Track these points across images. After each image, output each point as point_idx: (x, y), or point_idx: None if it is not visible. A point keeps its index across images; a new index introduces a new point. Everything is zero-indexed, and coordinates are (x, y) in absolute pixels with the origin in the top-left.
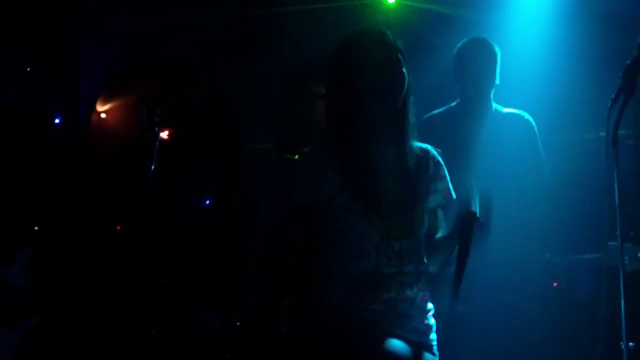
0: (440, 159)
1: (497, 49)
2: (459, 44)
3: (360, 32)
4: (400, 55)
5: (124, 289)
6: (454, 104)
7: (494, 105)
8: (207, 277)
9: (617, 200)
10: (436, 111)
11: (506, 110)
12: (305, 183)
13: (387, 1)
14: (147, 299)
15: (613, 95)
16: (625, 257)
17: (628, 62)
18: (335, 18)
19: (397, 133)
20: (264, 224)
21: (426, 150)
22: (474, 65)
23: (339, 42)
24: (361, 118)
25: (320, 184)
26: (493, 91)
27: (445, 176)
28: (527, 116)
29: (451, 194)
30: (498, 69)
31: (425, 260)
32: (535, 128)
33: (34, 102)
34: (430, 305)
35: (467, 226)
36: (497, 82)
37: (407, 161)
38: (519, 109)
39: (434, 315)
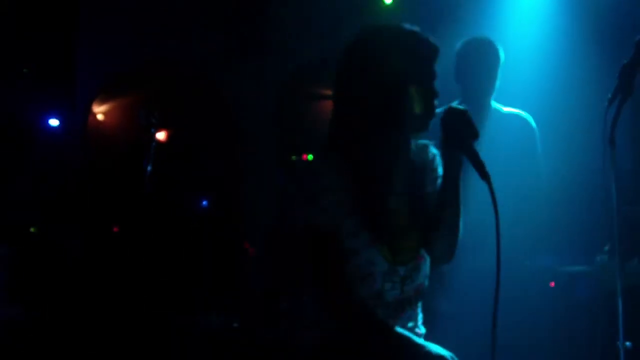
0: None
1: (501, 50)
2: (462, 43)
3: (404, 32)
4: None
5: (121, 290)
6: (454, 103)
7: (494, 105)
8: (204, 279)
9: (614, 202)
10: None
11: (506, 109)
12: (322, 206)
13: (384, 2)
14: (144, 301)
15: (610, 96)
16: (613, 273)
17: (625, 61)
18: (332, 20)
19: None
20: (262, 226)
21: (426, 148)
22: (477, 66)
23: (376, 42)
24: (390, 131)
25: (333, 206)
26: (494, 92)
27: None
28: (526, 116)
29: None
30: (500, 70)
31: (427, 279)
32: (535, 128)
33: (28, 104)
34: (421, 319)
35: (457, 121)
36: (498, 83)
37: (416, 171)
38: (519, 109)
39: (431, 316)
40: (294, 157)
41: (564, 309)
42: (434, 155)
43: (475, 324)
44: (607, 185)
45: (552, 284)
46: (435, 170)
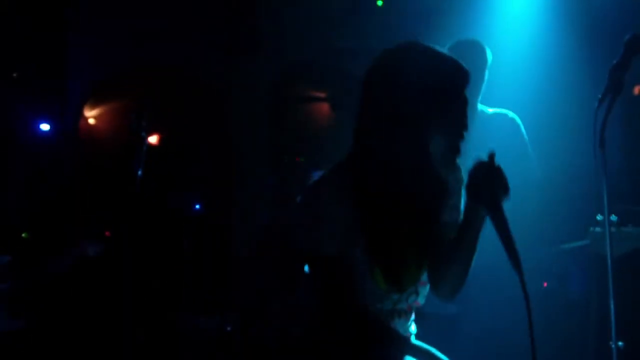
0: (462, 173)
1: (489, 52)
2: (450, 45)
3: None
4: None
5: (114, 293)
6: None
7: (480, 107)
8: (198, 282)
9: (605, 200)
10: None
11: (491, 110)
12: (329, 231)
13: (376, 3)
14: (138, 304)
15: (600, 95)
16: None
17: (614, 61)
18: (325, 21)
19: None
20: (255, 228)
21: (456, 171)
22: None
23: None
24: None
25: (341, 233)
26: (480, 94)
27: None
28: (512, 115)
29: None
30: (487, 72)
31: (423, 298)
32: (521, 126)
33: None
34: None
35: (484, 175)
36: (485, 85)
37: (436, 197)
38: (504, 108)
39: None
40: (287, 160)
41: (557, 308)
42: (460, 183)
43: (477, 324)
44: (598, 184)
45: (545, 284)
46: (456, 198)
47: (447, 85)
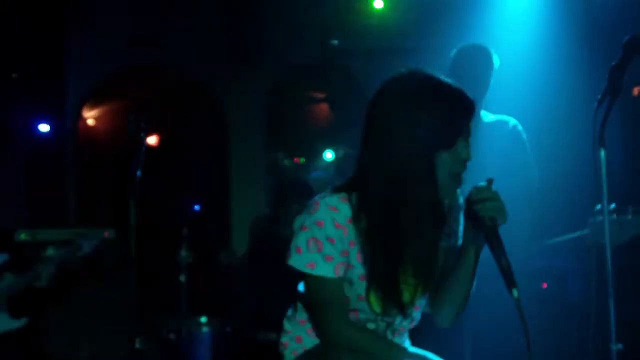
0: (460, 200)
1: (495, 57)
2: (457, 50)
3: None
4: None
5: (113, 295)
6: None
7: (481, 113)
8: (196, 283)
9: (605, 200)
10: None
11: (492, 116)
12: (327, 253)
13: (374, 6)
14: (136, 306)
15: (599, 96)
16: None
17: (613, 62)
18: (323, 24)
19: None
20: (251, 231)
21: (454, 195)
22: (471, 74)
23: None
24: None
25: (339, 256)
26: (483, 100)
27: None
28: (513, 121)
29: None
30: (492, 78)
31: (417, 321)
32: (522, 132)
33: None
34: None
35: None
36: (489, 90)
37: (435, 222)
38: (505, 114)
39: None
40: (286, 162)
41: (556, 309)
42: (459, 209)
43: (478, 328)
44: (597, 184)
45: (545, 285)
46: (454, 223)
47: (450, 118)
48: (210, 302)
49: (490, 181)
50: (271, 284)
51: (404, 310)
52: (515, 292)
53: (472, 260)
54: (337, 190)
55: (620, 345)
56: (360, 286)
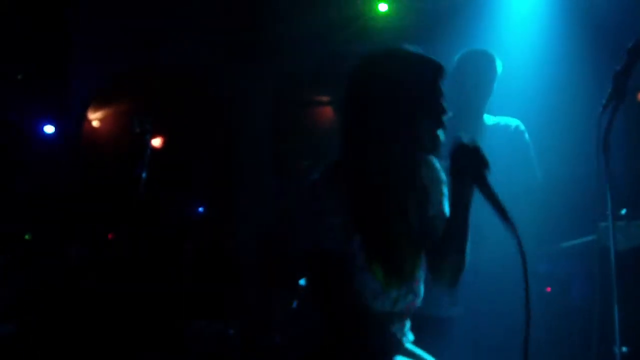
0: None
1: (499, 62)
2: (461, 55)
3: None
4: None
5: (116, 297)
6: (463, 138)
7: (484, 116)
8: (200, 285)
9: (609, 205)
10: None
11: (495, 118)
12: (327, 226)
13: (378, 10)
14: (139, 307)
15: (604, 101)
16: (619, 235)
17: (618, 67)
18: (329, 26)
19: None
20: (256, 232)
21: (431, 164)
22: (475, 79)
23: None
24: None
25: (338, 227)
26: (486, 104)
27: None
28: (515, 122)
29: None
30: (496, 82)
31: (419, 299)
32: (525, 132)
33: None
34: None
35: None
36: (492, 95)
37: (421, 190)
38: (508, 116)
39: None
40: (306, 163)
41: (560, 313)
42: (439, 172)
43: (480, 325)
44: (601, 189)
45: (549, 289)
46: (440, 189)
47: (421, 81)
48: (213, 304)
49: (471, 138)
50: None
51: (404, 274)
52: (510, 228)
53: (464, 208)
54: (329, 167)
55: (625, 348)
56: (362, 256)
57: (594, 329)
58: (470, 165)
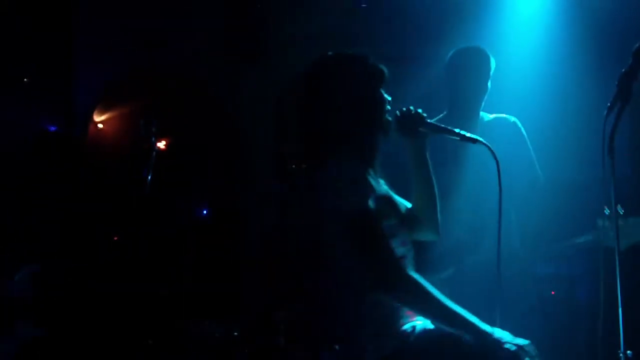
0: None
1: (492, 60)
2: (454, 52)
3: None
4: None
5: (123, 299)
6: (442, 115)
7: (481, 113)
8: (205, 287)
9: (614, 207)
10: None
11: (491, 116)
12: (365, 191)
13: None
14: (145, 310)
15: (609, 103)
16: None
17: (623, 70)
18: (331, 28)
19: None
20: (260, 234)
21: None
22: (468, 76)
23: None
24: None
25: (368, 192)
26: (483, 101)
27: None
28: (512, 118)
29: None
30: (490, 79)
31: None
32: (522, 128)
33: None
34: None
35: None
36: (488, 91)
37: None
38: (503, 113)
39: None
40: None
41: (565, 316)
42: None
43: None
44: (606, 192)
45: (553, 292)
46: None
47: (359, 88)
48: (217, 305)
49: (409, 108)
50: (278, 288)
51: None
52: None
53: (422, 160)
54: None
55: (630, 352)
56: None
57: (599, 332)
58: (409, 118)
